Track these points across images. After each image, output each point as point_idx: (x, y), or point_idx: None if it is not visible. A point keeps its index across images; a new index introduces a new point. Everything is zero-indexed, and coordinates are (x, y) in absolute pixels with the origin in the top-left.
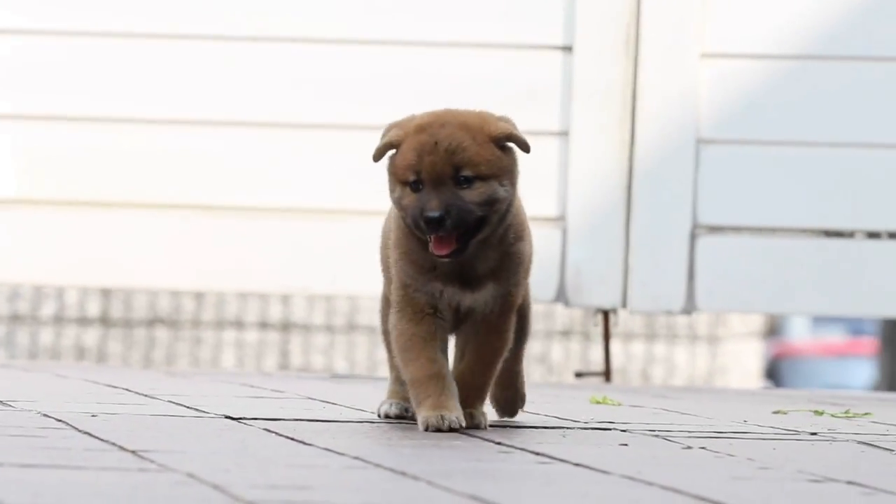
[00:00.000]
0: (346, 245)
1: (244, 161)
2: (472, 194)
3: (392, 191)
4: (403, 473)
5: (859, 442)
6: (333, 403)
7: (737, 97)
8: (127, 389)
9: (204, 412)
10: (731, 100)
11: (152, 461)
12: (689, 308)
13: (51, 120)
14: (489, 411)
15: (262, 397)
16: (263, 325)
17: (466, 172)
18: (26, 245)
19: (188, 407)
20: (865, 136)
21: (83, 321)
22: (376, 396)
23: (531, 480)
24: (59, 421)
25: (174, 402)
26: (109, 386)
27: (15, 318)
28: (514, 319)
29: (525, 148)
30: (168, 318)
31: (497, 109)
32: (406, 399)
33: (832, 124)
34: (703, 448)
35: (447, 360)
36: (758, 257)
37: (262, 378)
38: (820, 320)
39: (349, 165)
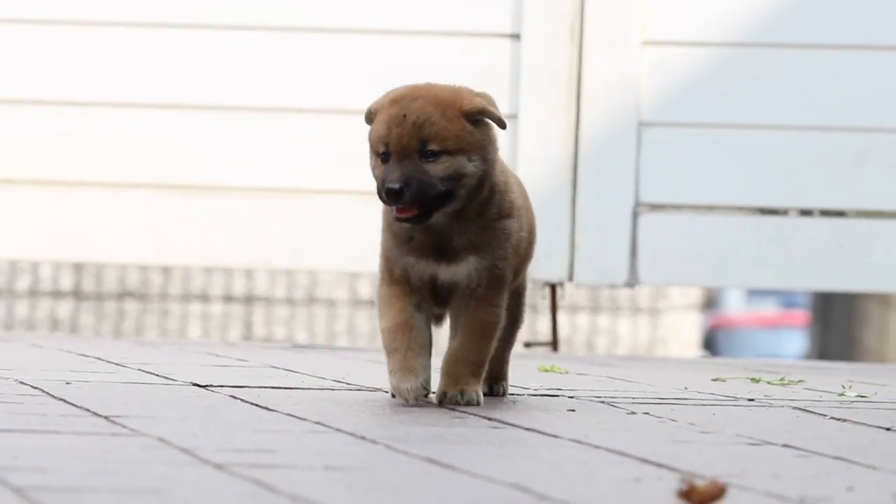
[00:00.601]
0: (307, 222)
1: (209, 142)
2: (437, 168)
3: (370, 161)
4: (363, 437)
5: (794, 407)
6: (295, 372)
7: (676, 82)
8: (99, 359)
9: (172, 380)
10: (671, 85)
11: (124, 426)
12: (632, 282)
13: (26, 104)
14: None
15: (227, 366)
16: (228, 298)
17: (432, 146)
18: (2, 222)
19: (157, 375)
20: (798, 120)
21: (56, 294)
22: (335, 365)
23: (485, 444)
24: (36, 388)
25: (144, 371)
26: (82, 355)
27: None
28: (505, 296)
29: (501, 124)
30: (137, 291)
31: None
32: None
33: (767, 108)
34: (646, 413)
35: (428, 329)
36: (696, 234)
37: (226, 348)
38: (754, 293)
39: (309, 146)
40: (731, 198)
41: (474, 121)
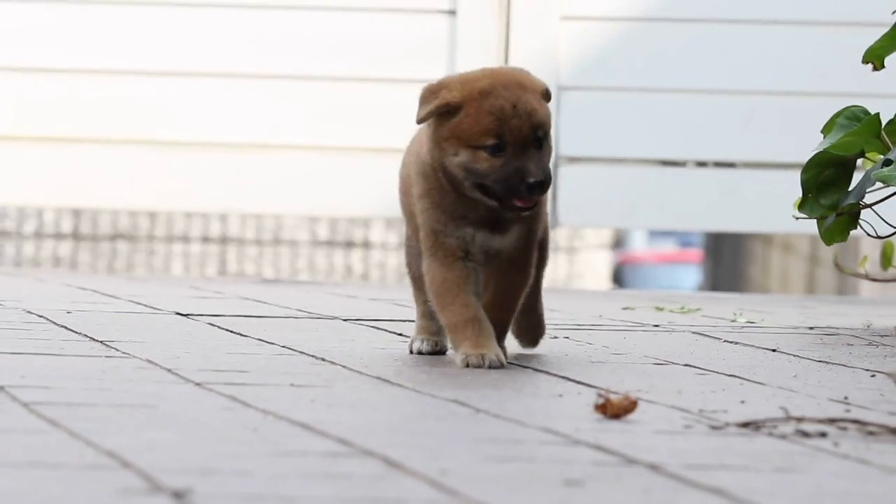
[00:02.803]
0: (274, 173)
1: (190, 104)
2: (546, 154)
3: (453, 154)
4: (323, 359)
5: (693, 332)
6: (264, 302)
7: (590, 51)
8: (95, 291)
9: (158, 309)
10: (586, 53)
11: (117, 349)
12: (553, 224)
13: (30, 71)
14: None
15: (205, 297)
16: (205, 239)
17: (540, 133)
18: (12, 173)
19: (145, 305)
20: (695, 84)
21: (58, 236)
22: (298, 296)
23: (427, 366)
24: (41, 317)
25: (134, 302)
26: (81, 288)
27: (2, 234)
28: (535, 254)
29: (549, 98)
30: (128, 233)
31: (394, 63)
32: (434, 333)
33: (668, 74)
34: (566, 338)
35: (479, 301)
36: (608, 183)
37: (205, 282)
38: (656, 234)
39: (276, 108)
40: (637, 151)
41: None
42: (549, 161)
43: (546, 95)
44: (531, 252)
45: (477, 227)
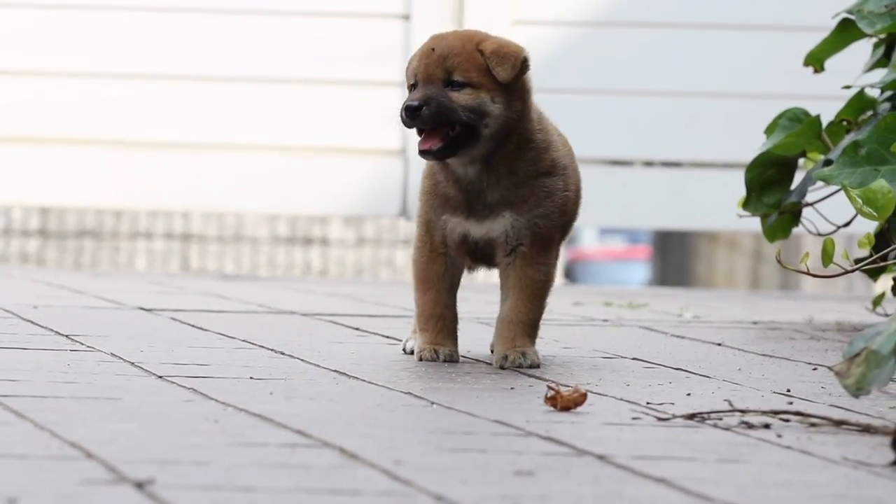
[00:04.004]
0: (234, 172)
1: (154, 106)
2: (460, 97)
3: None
4: (282, 353)
5: (641, 327)
6: (225, 297)
7: (541, 55)
8: (61, 287)
9: (122, 304)
10: (537, 57)
11: (82, 343)
12: None
13: (0, 74)
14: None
15: (168, 293)
16: (169, 236)
17: (457, 77)
18: None
19: (110, 300)
20: (641, 86)
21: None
22: (258, 292)
23: (387, 362)
24: (8, 311)
25: (99, 297)
26: (47, 284)
27: None
28: (553, 254)
29: (500, 75)
30: (93, 230)
31: (350, 65)
32: (439, 344)
33: (616, 77)
34: None
35: (455, 296)
36: None
37: (167, 278)
38: (605, 231)
39: (236, 109)
40: (587, 151)
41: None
42: (467, 106)
43: (486, 54)
44: (544, 248)
45: (452, 212)
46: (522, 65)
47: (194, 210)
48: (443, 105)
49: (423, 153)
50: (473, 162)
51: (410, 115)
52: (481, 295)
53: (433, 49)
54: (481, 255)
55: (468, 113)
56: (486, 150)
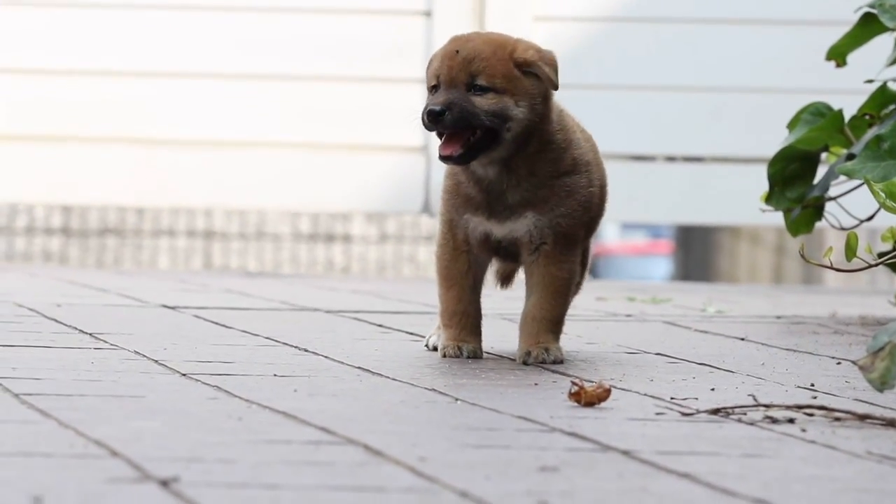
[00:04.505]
0: (256, 169)
1: (176, 104)
2: (483, 102)
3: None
4: (306, 350)
5: (664, 322)
6: (248, 295)
7: (563, 51)
8: (84, 285)
9: (146, 302)
10: (559, 53)
11: (106, 341)
12: None
13: (23, 73)
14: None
15: (191, 290)
16: (191, 234)
17: (481, 81)
18: (3, 171)
19: (133, 298)
20: (664, 81)
21: (49, 231)
22: (281, 289)
23: (413, 360)
24: (31, 310)
25: (122, 295)
26: (70, 282)
27: None
28: (575, 252)
29: (552, 84)
30: (116, 228)
31: (372, 63)
32: (463, 340)
33: (639, 72)
34: None
35: (479, 293)
36: None
37: (190, 275)
38: (627, 226)
39: (258, 107)
40: (609, 147)
41: (526, 71)
42: (490, 111)
43: (518, 63)
44: (567, 246)
45: (473, 212)
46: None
47: (217, 207)
48: (465, 110)
49: (443, 158)
50: (493, 163)
51: (433, 120)
52: (504, 291)
53: (457, 51)
54: (505, 253)
55: (491, 117)
56: (507, 153)
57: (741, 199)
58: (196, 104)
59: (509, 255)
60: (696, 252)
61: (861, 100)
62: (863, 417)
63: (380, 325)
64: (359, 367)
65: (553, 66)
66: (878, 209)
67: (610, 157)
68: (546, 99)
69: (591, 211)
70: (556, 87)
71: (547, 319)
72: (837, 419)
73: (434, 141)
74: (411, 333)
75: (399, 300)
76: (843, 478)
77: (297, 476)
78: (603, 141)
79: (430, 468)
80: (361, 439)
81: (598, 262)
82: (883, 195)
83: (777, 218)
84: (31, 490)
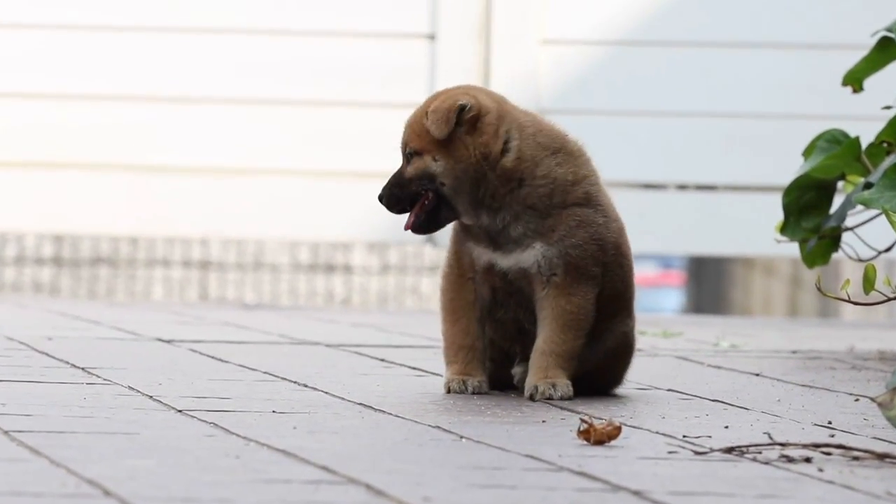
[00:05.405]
0: (254, 198)
1: (171, 129)
2: (410, 169)
3: None
4: (305, 385)
5: (676, 356)
6: (245, 328)
7: (570, 75)
8: (76, 317)
9: (140, 335)
10: (566, 77)
11: (98, 376)
12: None
13: (14, 97)
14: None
15: (186, 323)
16: (186, 264)
17: (410, 148)
18: None
19: (127, 331)
20: (675, 107)
21: (39, 261)
22: (279, 321)
23: (413, 393)
24: (22, 343)
25: (115, 328)
26: (62, 314)
27: None
28: (588, 288)
29: (435, 130)
30: (108, 258)
31: (375, 87)
32: (469, 374)
33: (648, 97)
34: None
35: (484, 326)
36: None
37: (186, 307)
38: (637, 257)
39: (256, 133)
40: (618, 174)
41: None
42: (415, 177)
43: (433, 113)
44: (578, 280)
45: (476, 241)
46: (459, 114)
47: (213, 237)
48: (395, 186)
49: (408, 230)
50: (476, 212)
51: (384, 205)
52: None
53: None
54: (521, 291)
55: (418, 182)
56: (467, 204)
57: (755, 229)
58: (193, 130)
59: (522, 295)
60: (709, 284)
61: (879, 126)
62: (882, 456)
63: (382, 360)
64: (360, 404)
65: (436, 113)
66: None
67: (619, 184)
68: (477, 139)
69: (605, 251)
70: (438, 136)
71: (556, 354)
72: (856, 458)
73: None
74: (414, 368)
75: (401, 333)
76: None
77: None
78: (612, 168)
79: None
80: (363, 479)
81: None
82: None
83: (792, 249)
84: None
